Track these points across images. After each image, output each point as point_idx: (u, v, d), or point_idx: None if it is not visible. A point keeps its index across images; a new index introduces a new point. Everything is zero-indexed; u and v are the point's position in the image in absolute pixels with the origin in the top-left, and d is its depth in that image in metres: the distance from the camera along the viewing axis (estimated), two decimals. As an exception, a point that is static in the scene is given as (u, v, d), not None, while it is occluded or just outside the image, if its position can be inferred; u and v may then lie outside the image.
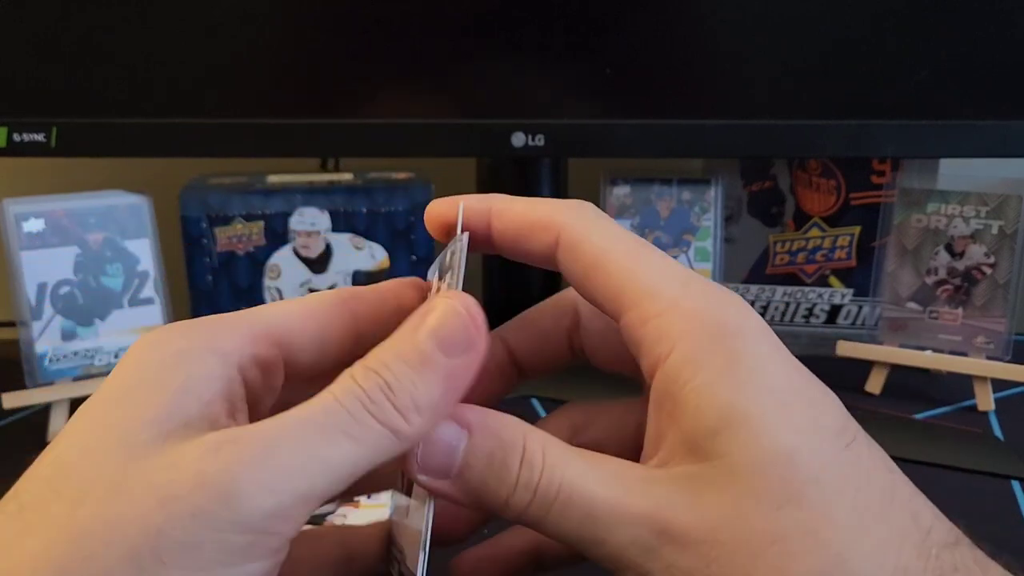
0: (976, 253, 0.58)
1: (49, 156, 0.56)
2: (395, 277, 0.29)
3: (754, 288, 0.69)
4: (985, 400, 0.58)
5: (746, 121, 0.56)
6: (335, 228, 0.61)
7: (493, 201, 0.28)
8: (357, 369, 0.23)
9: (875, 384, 0.60)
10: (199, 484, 0.20)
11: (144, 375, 0.23)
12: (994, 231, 0.57)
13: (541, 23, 0.55)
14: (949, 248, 0.59)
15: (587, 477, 0.23)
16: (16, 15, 0.54)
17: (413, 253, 0.62)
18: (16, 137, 0.55)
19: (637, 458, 0.26)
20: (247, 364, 0.24)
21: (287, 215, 0.61)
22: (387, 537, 0.30)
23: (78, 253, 0.54)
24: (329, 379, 0.23)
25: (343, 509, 0.44)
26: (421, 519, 0.24)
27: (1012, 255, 0.57)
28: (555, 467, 0.24)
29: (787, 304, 0.68)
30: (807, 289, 0.68)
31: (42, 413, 0.54)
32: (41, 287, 0.53)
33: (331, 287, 0.54)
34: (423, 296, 0.28)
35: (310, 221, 0.61)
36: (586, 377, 0.34)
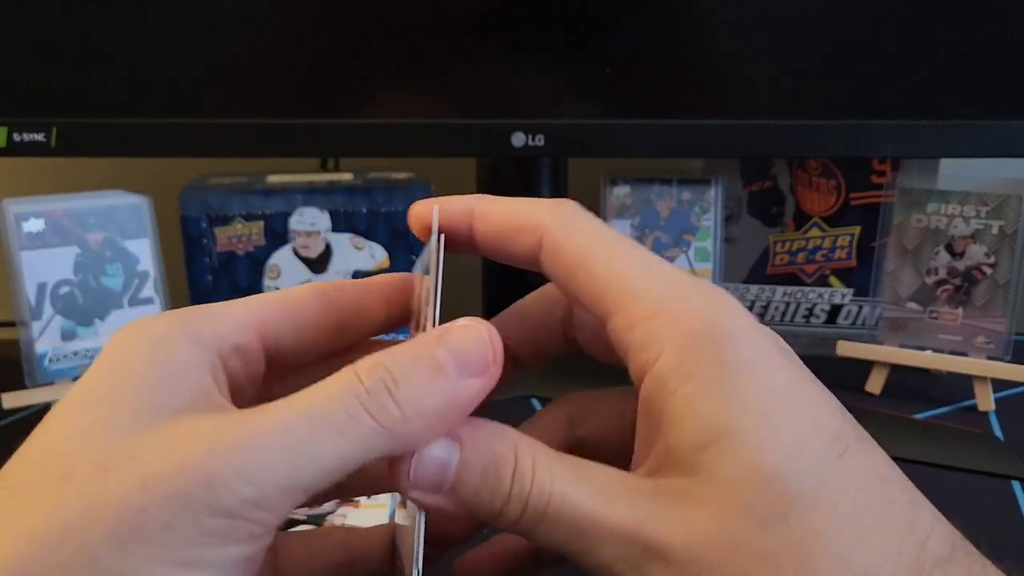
0: (976, 253, 0.58)
1: (49, 156, 0.56)
2: (393, 277, 0.29)
3: (754, 288, 0.69)
4: (985, 400, 0.58)
5: (746, 121, 0.56)
6: (335, 228, 0.61)
7: (474, 203, 0.27)
8: (364, 363, 0.23)
9: (875, 384, 0.60)
10: (181, 467, 0.21)
11: (126, 362, 0.23)
12: (994, 231, 0.57)
13: (541, 23, 0.55)
14: (949, 248, 0.59)
15: (576, 489, 0.23)
16: (16, 15, 0.54)
17: (413, 253, 0.62)
18: (16, 137, 0.55)
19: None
20: (227, 352, 0.25)
21: (287, 215, 0.61)
22: (391, 541, 0.30)
23: (78, 253, 0.54)
24: (313, 369, 0.24)
25: (343, 509, 0.44)
26: (414, 532, 0.24)
27: (1012, 255, 0.57)
28: (545, 479, 0.23)
29: (787, 304, 0.68)
30: (807, 289, 0.68)
31: (42, 413, 0.54)
32: (41, 287, 0.53)
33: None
34: (411, 290, 0.28)
35: (310, 221, 0.61)
36: (585, 374, 0.34)
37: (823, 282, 0.68)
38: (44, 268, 0.53)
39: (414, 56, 0.56)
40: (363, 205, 0.61)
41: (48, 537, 0.20)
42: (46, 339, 0.54)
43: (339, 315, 0.27)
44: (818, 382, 0.24)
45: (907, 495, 0.23)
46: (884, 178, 0.65)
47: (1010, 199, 0.57)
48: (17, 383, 0.54)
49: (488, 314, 0.25)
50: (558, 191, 0.65)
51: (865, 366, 0.60)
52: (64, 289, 0.54)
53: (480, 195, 0.27)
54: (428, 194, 0.62)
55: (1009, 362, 0.57)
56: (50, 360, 0.54)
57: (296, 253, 0.61)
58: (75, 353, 0.54)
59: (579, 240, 0.25)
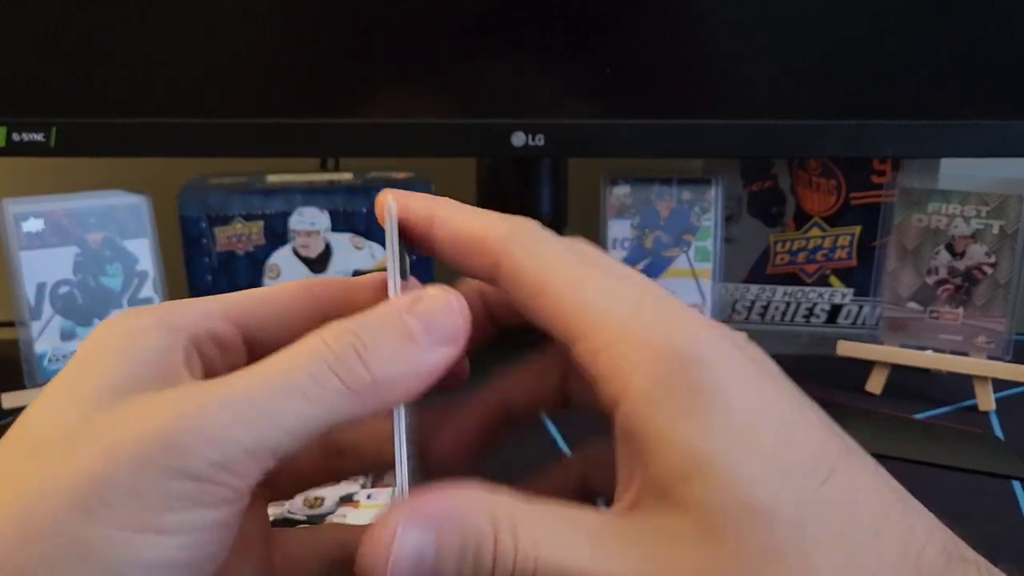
0: (977, 253, 0.58)
1: (49, 156, 0.56)
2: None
3: (754, 288, 0.69)
4: (986, 400, 0.58)
5: (746, 121, 0.56)
6: (335, 228, 0.61)
7: (435, 207, 0.27)
8: (331, 328, 0.23)
9: (876, 384, 0.60)
10: (143, 432, 0.21)
11: (97, 350, 0.24)
12: (995, 231, 0.57)
13: (541, 23, 0.55)
14: (950, 248, 0.59)
15: (563, 549, 0.22)
16: (16, 15, 0.54)
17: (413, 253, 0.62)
18: (16, 137, 0.55)
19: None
20: (202, 338, 0.25)
21: (287, 215, 0.61)
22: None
23: (77, 253, 0.54)
24: None
25: (343, 509, 0.44)
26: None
27: (1013, 255, 0.57)
28: (528, 547, 0.22)
29: (787, 304, 0.68)
30: (807, 289, 0.68)
31: (42, 413, 0.54)
32: (40, 287, 0.53)
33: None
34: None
35: (310, 221, 0.61)
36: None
37: (823, 282, 0.68)
38: (44, 268, 0.53)
39: (414, 56, 0.56)
40: (363, 205, 0.61)
41: (14, 512, 0.20)
42: (45, 339, 0.54)
43: (324, 309, 0.27)
44: (798, 397, 0.24)
45: (899, 506, 0.23)
46: (884, 178, 0.65)
47: (1010, 199, 0.57)
48: (17, 383, 0.54)
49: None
50: (558, 191, 0.65)
51: (865, 366, 0.60)
52: (63, 289, 0.54)
53: (442, 201, 0.27)
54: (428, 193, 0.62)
55: (1009, 362, 0.57)
56: (49, 360, 0.54)
57: (296, 253, 0.61)
58: (75, 353, 0.54)
59: (539, 262, 0.24)
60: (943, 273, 0.59)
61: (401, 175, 0.64)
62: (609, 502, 0.24)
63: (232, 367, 0.26)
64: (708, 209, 0.63)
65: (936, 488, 0.47)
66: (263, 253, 0.61)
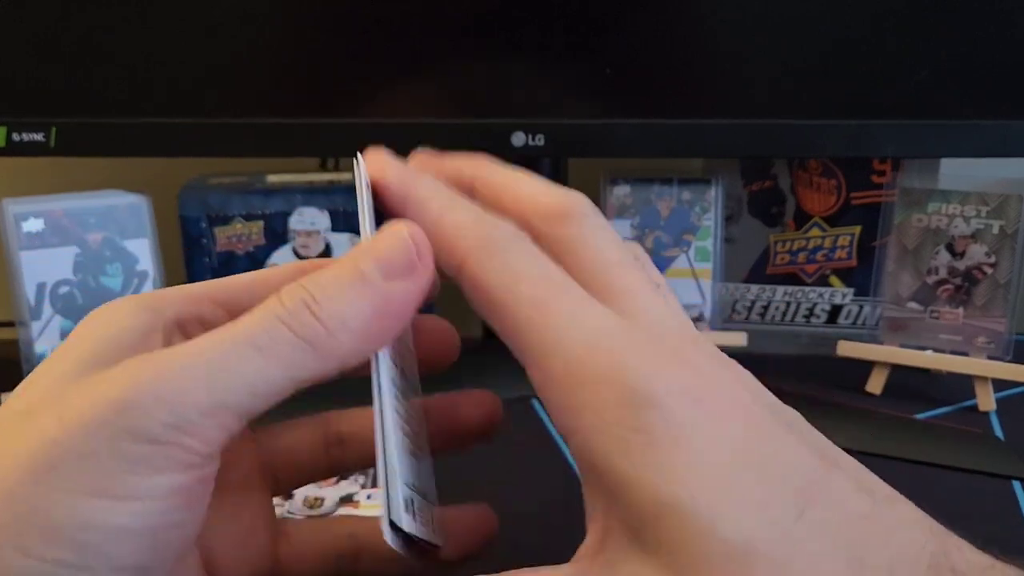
0: (977, 253, 0.58)
1: (48, 156, 0.56)
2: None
3: (754, 288, 0.69)
4: (986, 400, 0.58)
5: (746, 121, 0.56)
6: (335, 228, 0.61)
7: (410, 190, 0.25)
8: (286, 287, 0.23)
9: (876, 384, 0.60)
10: (97, 397, 0.21)
11: (83, 331, 0.24)
12: (995, 231, 0.57)
13: (541, 23, 0.55)
14: (950, 248, 0.59)
15: None
16: (16, 15, 0.54)
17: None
18: (15, 137, 0.55)
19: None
20: (188, 320, 0.25)
21: (287, 215, 0.61)
22: None
23: (77, 253, 0.54)
24: None
25: (343, 509, 0.44)
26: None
27: (1013, 255, 0.57)
28: None
29: (788, 304, 0.68)
30: (808, 289, 0.68)
31: (42, 413, 0.54)
32: (40, 287, 0.53)
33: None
34: None
35: (310, 221, 0.61)
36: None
37: (823, 282, 0.68)
38: (43, 268, 0.53)
39: (414, 56, 0.56)
40: (363, 205, 0.61)
41: None
42: (45, 339, 0.54)
43: None
44: (769, 423, 0.22)
45: (882, 524, 0.21)
46: (884, 178, 0.65)
47: (1011, 199, 0.57)
48: (16, 383, 0.53)
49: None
50: (558, 191, 0.65)
51: (866, 366, 0.60)
52: (63, 289, 0.54)
53: (418, 181, 0.26)
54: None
55: (1010, 362, 0.57)
56: (50, 360, 0.54)
57: (296, 253, 0.61)
58: (75, 353, 0.54)
59: (503, 279, 0.23)
60: (943, 273, 0.59)
61: (401, 175, 0.64)
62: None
63: None
64: (708, 209, 0.63)
65: (936, 488, 0.47)
66: (263, 253, 0.61)
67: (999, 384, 0.58)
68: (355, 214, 0.62)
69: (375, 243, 0.24)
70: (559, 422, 0.23)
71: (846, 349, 0.60)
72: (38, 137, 0.56)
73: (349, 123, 0.57)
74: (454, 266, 0.24)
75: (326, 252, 0.61)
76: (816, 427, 0.25)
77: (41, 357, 0.53)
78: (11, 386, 0.55)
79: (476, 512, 0.30)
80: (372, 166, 0.26)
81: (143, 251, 0.56)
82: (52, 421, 0.21)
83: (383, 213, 0.26)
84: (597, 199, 0.63)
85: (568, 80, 0.57)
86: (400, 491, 0.23)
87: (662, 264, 0.63)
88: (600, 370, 0.22)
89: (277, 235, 0.61)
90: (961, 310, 0.59)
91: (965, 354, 0.58)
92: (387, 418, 0.23)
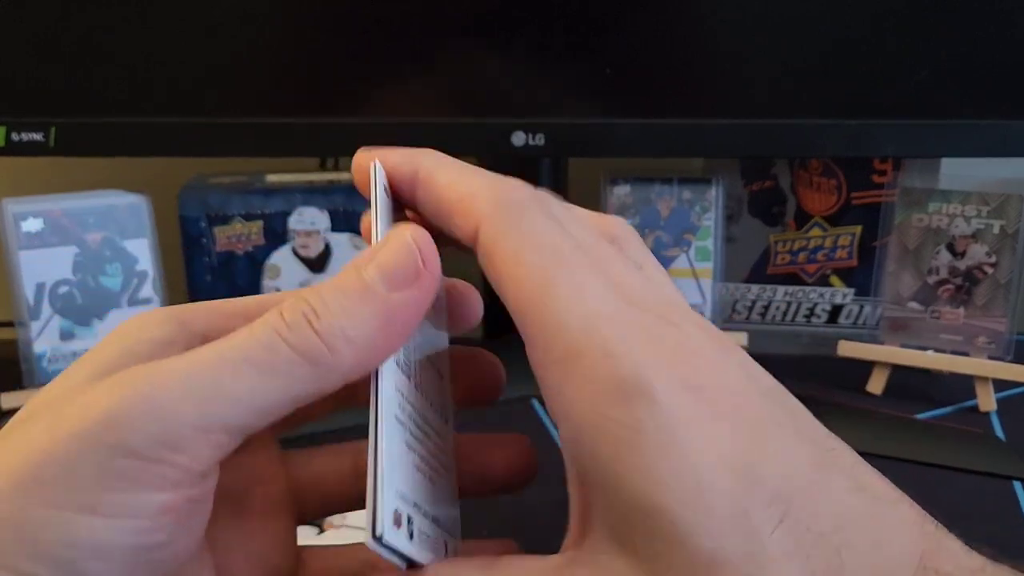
0: (977, 253, 0.58)
1: (48, 156, 0.56)
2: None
3: (755, 288, 0.69)
4: (986, 400, 0.57)
5: (746, 121, 0.56)
6: (335, 228, 0.61)
7: (420, 161, 0.25)
8: (287, 300, 0.22)
9: (876, 384, 0.60)
10: (87, 409, 0.20)
11: (109, 338, 0.23)
12: (995, 231, 0.57)
13: (541, 23, 0.55)
14: (950, 248, 0.59)
15: None
16: (16, 15, 0.54)
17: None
18: (15, 136, 0.55)
19: None
20: (214, 336, 0.24)
21: (286, 215, 0.61)
22: None
23: (77, 253, 0.54)
24: None
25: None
26: None
27: (1013, 255, 0.57)
28: None
29: (788, 304, 0.68)
30: (808, 289, 0.68)
31: (41, 413, 0.54)
32: (40, 287, 0.53)
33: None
34: None
35: (309, 221, 0.61)
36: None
37: (824, 282, 0.68)
38: (43, 268, 0.53)
39: (414, 55, 0.56)
40: (363, 205, 0.61)
41: None
42: (45, 339, 0.53)
43: None
44: (762, 414, 0.22)
45: (871, 528, 0.21)
46: (885, 177, 0.65)
47: (1011, 199, 0.57)
48: (16, 383, 0.53)
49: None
50: (558, 191, 0.64)
51: (866, 366, 0.60)
52: (63, 289, 0.54)
53: (428, 153, 0.25)
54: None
55: (1010, 362, 0.57)
56: (49, 360, 0.54)
57: (295, 253, 0.61)
58: (74, 353, 0.54)
59: (516, 243, 0.23)
60: (944, 273, 0.59)
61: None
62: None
63: None
64: (708, 209, 0.63)
65: (937, 488, 0.47)
66: (263, 253, 0.61)
67: (1000, 384, 0.58)
68: (355, 214, 0.62)
69: (378, 251, 0.23)
70: (551, 406, 0.22)
71: (847, 349, 0.60)
72: (38, 137, 0.56)
73: (349, 123, 0.57)
74: (469, 233, 0.24)
75: (326, 252, 0.61)
76: (816, 427, 0.24)
77: (40, 357, 0.53)
78: (10, 386, 0.55)
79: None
80: (375, 154, 0.25)
81: (143, 251, 0.56)
82: (43, 432, 0.20)
83: (401, 207, 0.26)
84: (597, 199, 0.63)
85: (568, 80, 0.57)
86: (388, 498, 0.21)
87: (662, 264, 0.63)
88: (592, 359, 0.21)
89: (277, 235, 0.61)
90: (962, 310, 0.59)
91: (966, 354, 0.58)
92: (384, 420, 0.22)
